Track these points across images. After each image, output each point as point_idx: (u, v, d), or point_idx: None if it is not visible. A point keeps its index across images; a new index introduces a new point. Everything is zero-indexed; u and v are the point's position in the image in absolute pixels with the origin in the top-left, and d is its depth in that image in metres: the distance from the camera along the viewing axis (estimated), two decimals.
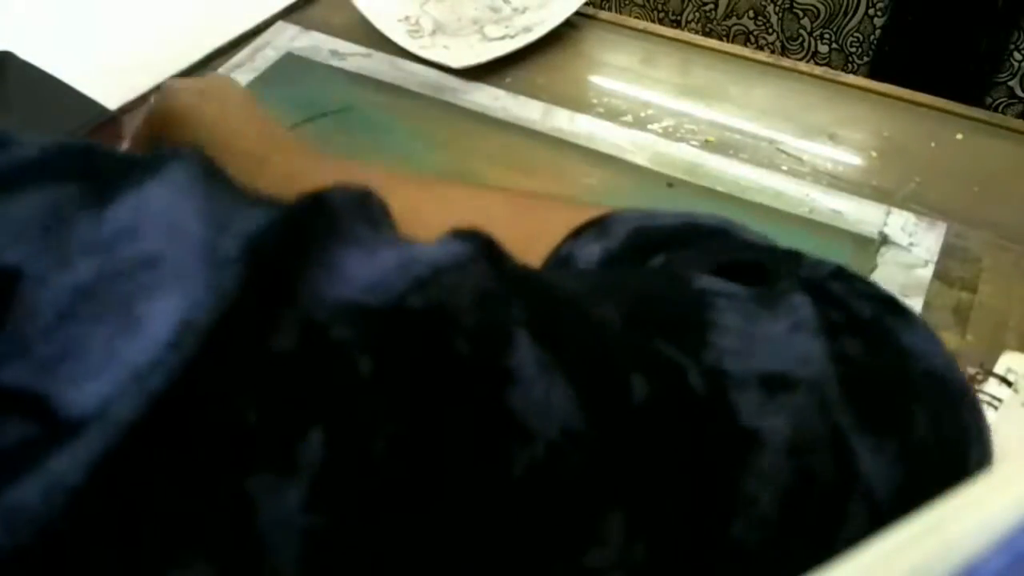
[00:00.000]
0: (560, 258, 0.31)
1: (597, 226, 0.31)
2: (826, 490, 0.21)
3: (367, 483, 0.16)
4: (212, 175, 0.18)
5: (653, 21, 1.07)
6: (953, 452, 0.25)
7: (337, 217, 0.19)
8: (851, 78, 0.63)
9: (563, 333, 0.20)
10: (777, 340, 0.23)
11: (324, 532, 0.15)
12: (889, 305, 0.27)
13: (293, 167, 0.43)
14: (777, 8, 1.13)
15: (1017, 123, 0.59)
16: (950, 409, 0.25)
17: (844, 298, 0.25)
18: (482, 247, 0.20)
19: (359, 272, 0.17)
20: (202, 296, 0.15)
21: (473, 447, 0.17)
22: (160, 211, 0.17)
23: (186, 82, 0.48)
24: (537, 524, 0.18)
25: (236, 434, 0.15)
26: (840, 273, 0.28)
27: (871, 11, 1.07)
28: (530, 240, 0.31)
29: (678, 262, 0.28)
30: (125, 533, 0.14)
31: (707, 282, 0.24)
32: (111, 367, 0.15)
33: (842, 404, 0.22)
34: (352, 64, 0.65)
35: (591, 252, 0.30)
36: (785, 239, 0.52)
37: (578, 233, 0.31)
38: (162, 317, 0.15)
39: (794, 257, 0.28)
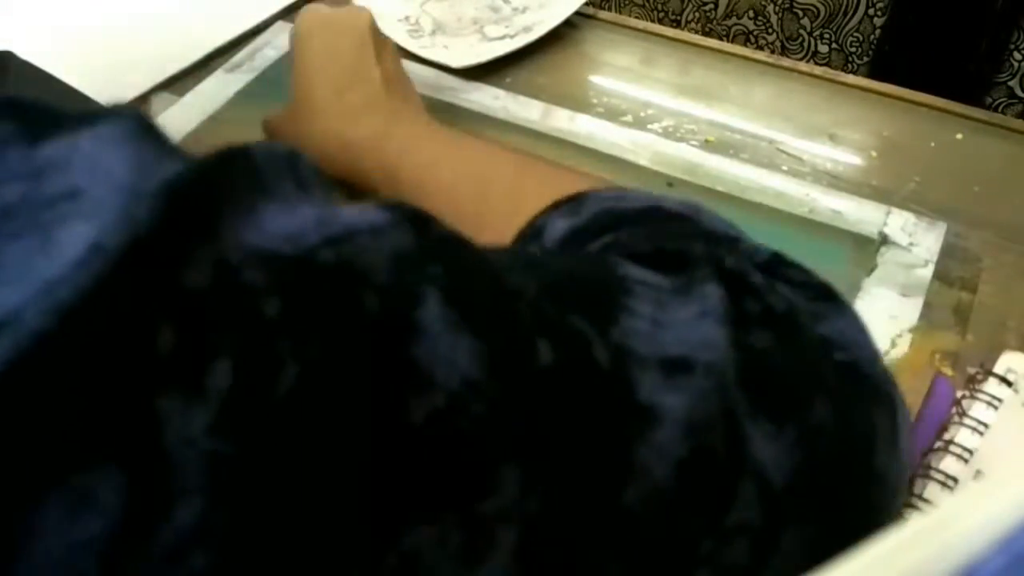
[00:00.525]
0: (534, 229, 0.33)
1: (574, 201, 0.32)
2: (717, 469, 0.22)
3: (270, 417, 0.16)
4: (147, 132, 0.19)
5: (653, 21, 1.07)
6: (856, 447, 0.25)
7: (259, 171, 0.19)
8: (851, 78, 0.63)
9: (476, 296, 0.20)
10: (683, 326, 0.24)
11: (228, 458, 0.16)
12: (821, 294, 0.28)
13: (406, 140, 0.45)
14: (777, 8, 1.13)
15: (1017, 123, 0.59)
16: (860, 404, 0.26)
17: (762, 289, 0.26)
18: (405, 215, 0.21)
19: (276, 224, 0.18)
20: (114, 224, 0.16)
21: (371, 391, 0.18)
22: (89, 154, 0.18)
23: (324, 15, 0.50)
24: (435, 469, 0.18)
25: (147, 354, 0.16)
26: (772, 262, 0.29)
27: (871, 11, 1.07)
28: (524, 200, 0.34)
29: (618, 244, 0.29)
30: (33, 435, 0.15)
31: (631, 270, 0.25)
32: (24, 279, 0.15)
33: (739, 390, 0.23)
34: None
35: (558, 228, 0.32)
36: (785, 239, 0.52)
37: (557, 205, 0.33)
38: (76, 240, 0.16)
39: (729, 244, 0.29)
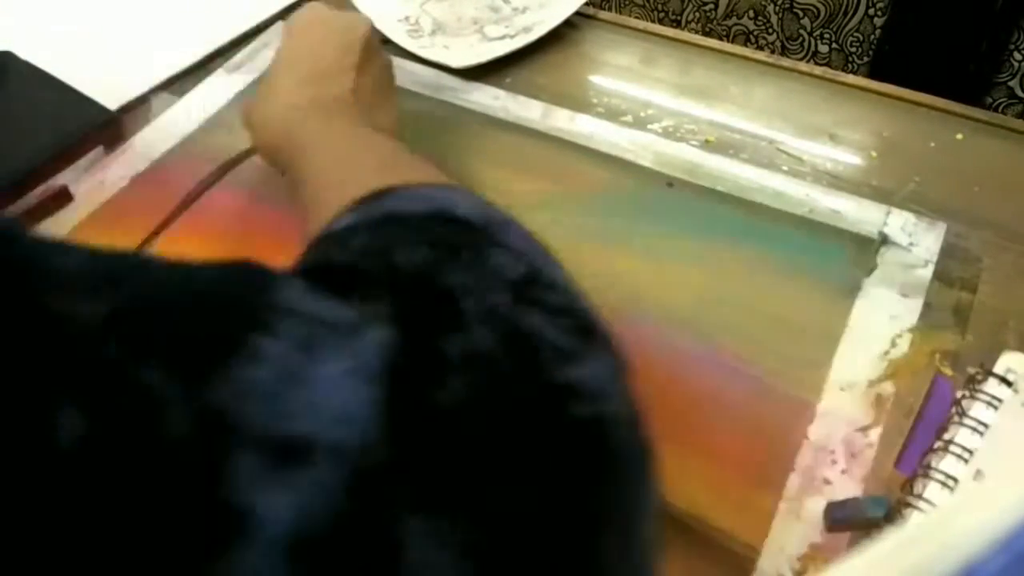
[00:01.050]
0: (327, 229, 0.29)
1: (376, 199, 0.30)
2: None
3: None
4: None
5: (653, 21, 1.07)
6: (569, 544, 0.19)
7: None
8: (851, 78, 0.63)
9: None
10: (324, 384, 0.18)
11: None
12: (580, 327, 0.23)
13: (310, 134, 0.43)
14: (777, 8, 1.13)
15: (1017, 123, 0.59)
16: (587, 480, 0.20)
17: (472, 321, 0.20)
18: None
19: None
20: None
21: None
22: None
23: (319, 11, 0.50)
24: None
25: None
26: (526, 281, 0.23)
27: (871, 11, 1.07)
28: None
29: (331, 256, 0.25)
30: None
31: (289, 294, 0.20)
32: None
33: (394, 476, 0.17)
34: None
35: (343, 223, 0.28)
36: (785, 239, 0.53)
37: (361, 201, 0.30)
38: None
39: (477, 259, 0.24)
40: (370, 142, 0.41)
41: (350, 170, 0.37)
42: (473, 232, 0.27)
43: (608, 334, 0.24)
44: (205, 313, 0.18)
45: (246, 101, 0.51)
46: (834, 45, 1.13)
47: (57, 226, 0.54)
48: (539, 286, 0.24)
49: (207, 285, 0.20)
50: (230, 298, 0.20)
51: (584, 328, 0.24)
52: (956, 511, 0.13)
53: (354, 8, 0.67)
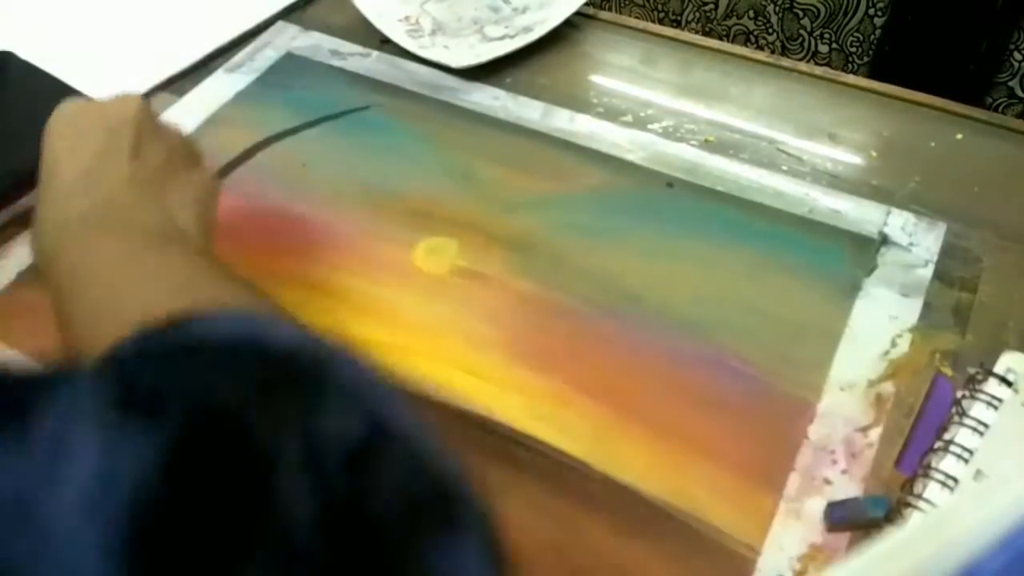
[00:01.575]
0: (107, 358, 0.24)
1: (174, 326, 0.25)
2: None
3: None
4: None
5: (653, 21, 1.07)
6: None
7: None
8: (851, 78, 0.63)
9: None
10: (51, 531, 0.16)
11: None
12: (434, 505, 0.19)
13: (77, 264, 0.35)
14: (777, 8, 1.13)
15: (1017, 123, 0.59)
16: None
17: (285, 498, 0.17)
18: None
19: None
20: None
21: None
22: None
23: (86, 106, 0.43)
24: None
25: None
26: (363, 450, 0.19)
27: (871, 11, 1.07)
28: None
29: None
30: None
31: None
32: None
33: None
34: (352, 64, 0.65)
35: (125, 352, 0.24)
36: (785, 239, 0.53)
37: (155, 328, 0.25)
38: None
39: (298, 413, 0.20)
40: (160, 260, 0.35)
41: (133, 296, 0.32)
42: (292, 373, 0.22)
43: (477, 500, 0.20)
44: None
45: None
46: (834, 45, 1.13)
47: None
48: (379, 447, 0.20)
49: None
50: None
51: (442, 509, 0.19)
52: (956, 511, 0.13)
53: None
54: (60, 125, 0.41)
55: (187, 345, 0.23)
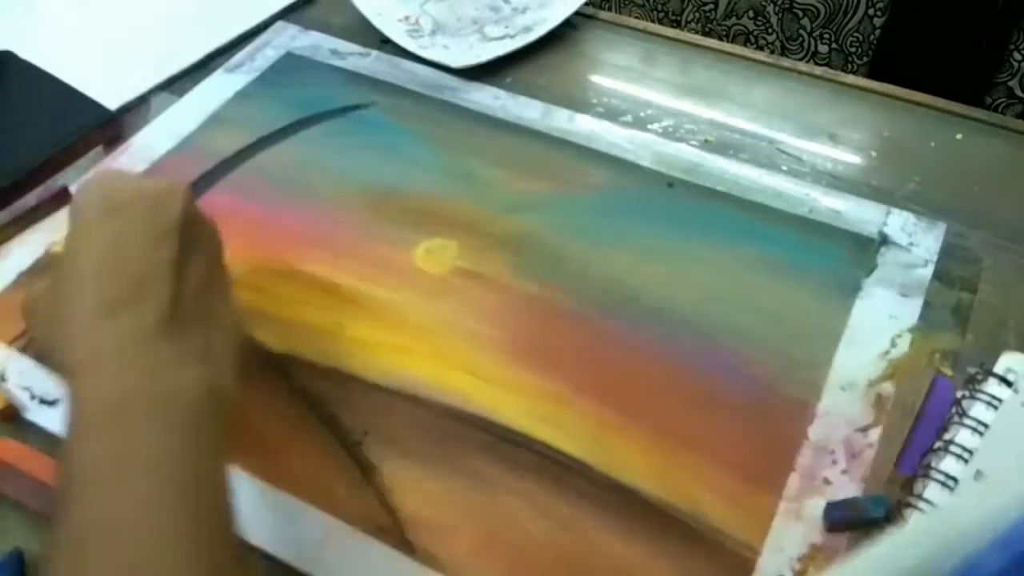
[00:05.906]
0: None
1: None
2: None
3: None
4: None
5: (653, 21, 1.07)
6: None
7: None
8: (851, 78, 0.63)
9: None
10: None
11: None
12: None
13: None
14: (777, 8, 1.13)
15: (1017, 123, 0.59)
16: None
17: None
18: None
19: None
20: None
21: None
22: None
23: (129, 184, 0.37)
24: None
25: None
26: None
27: (871, 11, 1.07)
28: None
29: None
30: None
31: None
32: None
33: None
34: (352, 64, 0.65)
35: None
36: (785, 239, 0.53)
37: None
38: None
39: None
40: (175, 516, 0.30)
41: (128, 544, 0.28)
42: None
43: None
44: None
45: (30, 293, 0.39)
46: (834, 45, 1.13)
47: (57, 226, 0.54)
48: None
49: None
50: None
51: None
52: (956, 511, 0.13)
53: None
54: (94, 207, 0.35)
55: None
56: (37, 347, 0.38)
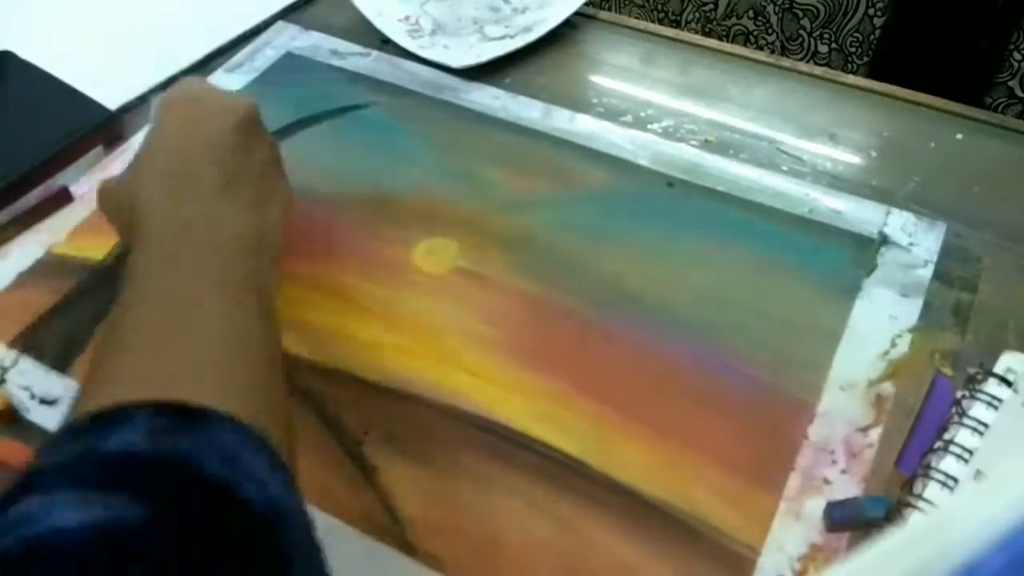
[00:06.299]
0: (107, 415, 0.28)
1: (177, 423, 0.28)
2: None
3: None
4: None
5: (653, 21, 1.07)
6: None
7: None
8: (851, 78, 0.63)
9: None
10: None
11: None
12: None
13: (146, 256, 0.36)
14: (777, 8, 1.13)
15: (1017, 123, 0.59)
16: None
17: None
18: None
19: None
20: None
21: None
22: None
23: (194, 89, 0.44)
24: None
25: None
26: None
27: (871, 11, 1.07)
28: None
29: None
30: None
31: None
32: None
33: None
34: (352, 64, 0.65)
35: (124, 440, 0.27)
36: (785, 239, 0.53)
37: (159, 409, 0.28)
38: None
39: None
40: (222, 307, 0.34)
41: (167, 347, 0.32)
42: (249, 531, 0.26)
43: None
44: None
45: (106, 180, 0.44)
46: (834, 45, 1.13)
47: (57, 226, 0.54)
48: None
49: None
50: None
51: None
52: (956, 511, 0.13)
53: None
54: (175, 102, 0.43)
55: (180, 462, 0.27)
56: (108, 222, 0.44)
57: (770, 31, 1.17)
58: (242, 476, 0.27)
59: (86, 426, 0.28)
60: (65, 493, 0.25)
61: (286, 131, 0.60)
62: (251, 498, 0.27)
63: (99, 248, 0.53)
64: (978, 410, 0.41)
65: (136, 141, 0.60)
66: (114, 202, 0.42)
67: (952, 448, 0.40)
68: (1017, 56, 1.01)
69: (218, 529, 0.26)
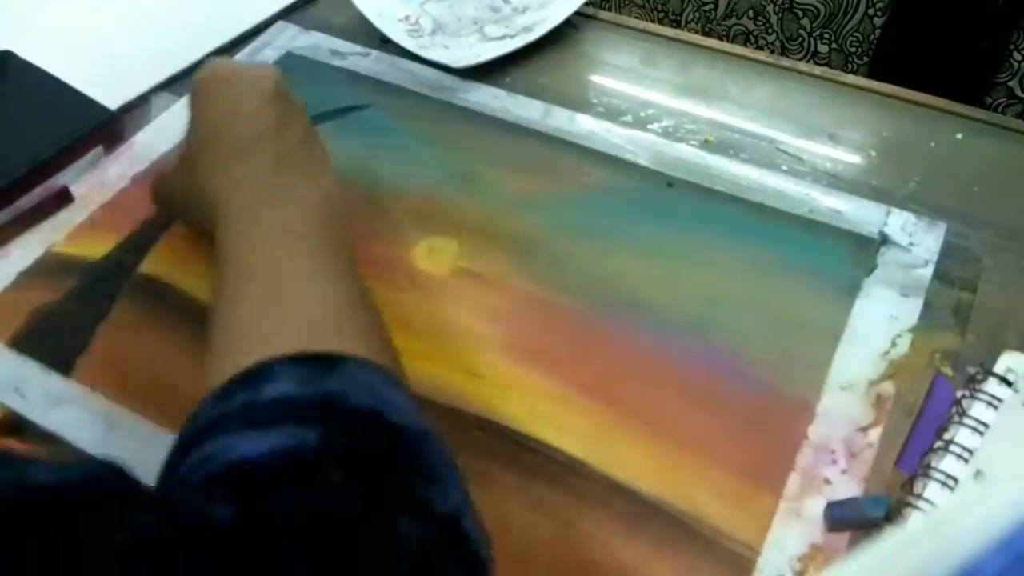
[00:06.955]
0: (255, 373, 0.31)
1: (323, 370, 0.31)
2: None
3: None
4: None
5: (653, 21, 1.07)
6: None
7: None
8: (851, 78, 0.63)
9: None
10: None
11: None
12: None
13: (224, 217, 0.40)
14: (777, 8, 1.13)
15: (1017, 123, 0.59)
16: None
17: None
18: None
19: None
20: None
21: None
22: None
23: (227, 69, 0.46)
24: None
25: None
26: (443, 525, 0.28)
27: (871, 11, 1.07)
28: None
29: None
30: None
31: (125, 537, 0.24)
32: None
33: None
34: (352, 64, 0.65)
35: (277, 390, 0.30)
36: (785, 239, 0.53)
37: (300, 359, 0.31)
38: None
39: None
40: (315, 267, 0.38)
41: (287, 310, 0.35)
42: (405, 448, 0.30)
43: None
44: None
45: (158, 175, 0.48)
46: (834, 45, 1.13)
47: (57, 226, 0.54)
48: (458, 534, 0.27)
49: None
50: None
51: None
52: (956, 511, 0.13)
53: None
54: (206, 88, 0.44)
55: (332, 402, 0.29)
56: (164, 214, 0.48)
57: (770, 31, 1.17)
58: (387, 406, 0.30)
59: (235, 387, 0.30)
60: (241, 433, 0.28)
61: None
62: (399, 422, 0.30)
63: (99, 248, 0.53)
64: (978, 410, 0.41)
65: (136, 141, 0.60)
66: (169, 195, 0.47)
67: (952, 448, 0.40)
68: (1017, 56, 1.01)
69: (381, 447, 0.29)
